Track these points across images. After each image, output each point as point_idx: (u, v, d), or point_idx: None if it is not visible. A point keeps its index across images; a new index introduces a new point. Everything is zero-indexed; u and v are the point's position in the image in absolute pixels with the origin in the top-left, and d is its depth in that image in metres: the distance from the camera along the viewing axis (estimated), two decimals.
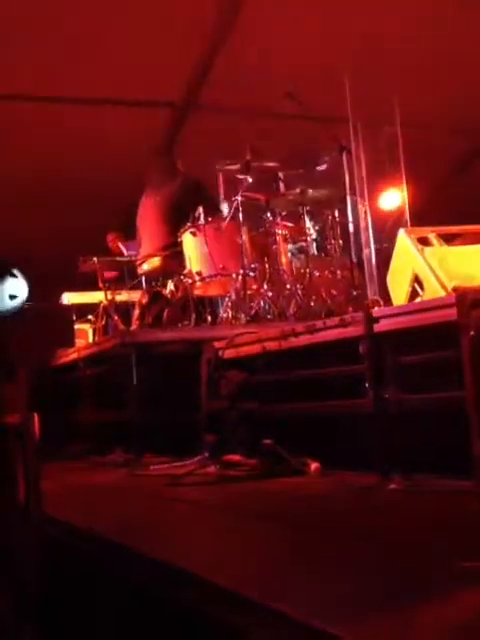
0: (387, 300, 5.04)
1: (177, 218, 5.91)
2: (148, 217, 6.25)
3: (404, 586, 1.52)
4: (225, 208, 5.89)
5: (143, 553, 1.98)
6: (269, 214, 5.80)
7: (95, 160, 7.77)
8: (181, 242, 5.70)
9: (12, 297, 5.29)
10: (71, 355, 5.72)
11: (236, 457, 3.56)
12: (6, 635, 1.86)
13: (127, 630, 1.94)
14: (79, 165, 7.78)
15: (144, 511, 2.81)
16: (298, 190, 5.88)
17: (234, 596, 1.53)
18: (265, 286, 5.48)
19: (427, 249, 4.62)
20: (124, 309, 6.51)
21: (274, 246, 5.69)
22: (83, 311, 7.23)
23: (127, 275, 6.61)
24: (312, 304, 5.44)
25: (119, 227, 6.81)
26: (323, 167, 5.99)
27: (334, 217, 6.02)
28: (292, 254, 5.98)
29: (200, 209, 5.59)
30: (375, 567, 1.69)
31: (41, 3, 6.05)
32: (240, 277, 5.34)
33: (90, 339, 7.11)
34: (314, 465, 3.19)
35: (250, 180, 5.67)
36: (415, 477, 2.73)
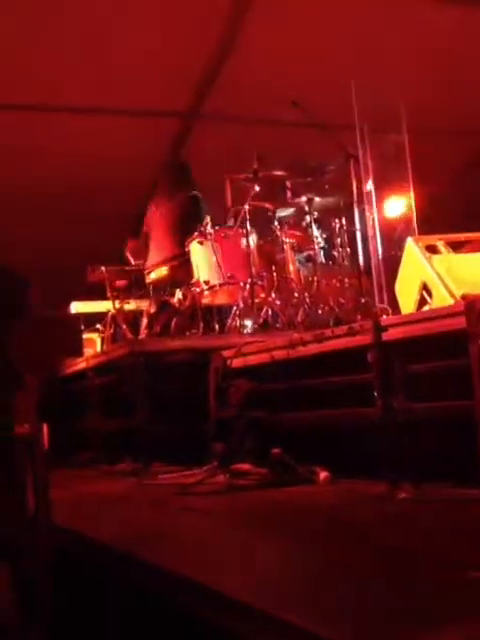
0: (395, 308, 5.03)
1: (185, 227, 5.92)
2: (156, 226, 6.26)
3: (415, 596, 1.51)
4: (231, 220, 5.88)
5: (151, 562, 1.98)
6: (276, 223, 5.81)
7: (103, 169, 7.79)
8: (189, 251, 5.71)
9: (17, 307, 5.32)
10: (80, 364, 5.73)
11: (245, 466, 3.55)
12: None
13: (134, 637, 1.94)
14: (87, 174, 7.80)
15: (153, 520, 2.81)
16: (305, 198, 5.89)
17: (243, 606, 1.53)
18: (273, 295, 5.49)
19: (435, 257, 4.62)
20: (132, 318, 6.52)
21: (281, 255, 5.70)
22: (91, 320, 7.25)
23: (135, 284, 6.62)
24: (320, 312, 5.44)
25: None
26: (329, 171, 5.99)
27: (342, 225, 6.03)
28: (300, 262, 5.99)
29: (208, 218, 5.60)
30: (385, 577, 1.69)
31: (47, 13, 6.08)
32: (248, 286, 5.35)
33: (98, 348, 7.13)
34: (323, 474, 3.18)
35: (257, 189, 5.68)
36: (424, 486, 2.72)
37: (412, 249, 4.78)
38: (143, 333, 6.17)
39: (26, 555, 1.82)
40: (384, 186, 6.87)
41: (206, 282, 5.48)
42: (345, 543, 2.09)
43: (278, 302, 5.46)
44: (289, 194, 6.14)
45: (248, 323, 5.32)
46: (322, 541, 2.16)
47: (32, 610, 1.82)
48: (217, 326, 5.62)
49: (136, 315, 6.54)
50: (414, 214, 6.84)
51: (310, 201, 5.86)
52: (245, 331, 5.25)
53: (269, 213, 5.89)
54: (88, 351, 6.96)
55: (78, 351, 6.84)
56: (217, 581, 1.70)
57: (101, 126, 7.56)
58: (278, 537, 2.29)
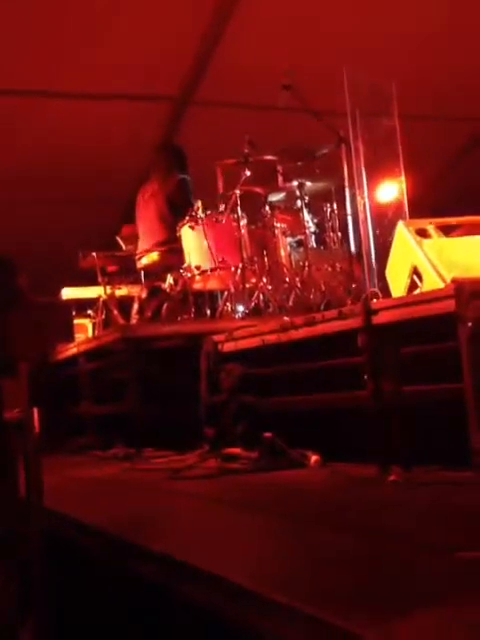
0: (386, 292, 5.04)
1: (176, 212, 5.91)
2: (146, 211, 6.25)
3: (405, 577, 1.52)
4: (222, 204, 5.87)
5: (144, 546, 1.98)
6: (268, 207, 5.80)
7: (94, 155, 7.76)
8: (180, 236, 5.70)
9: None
10: (71, 350, 5.73)
11: (236, 450, 3.56)
12: (11, 628, 1.87)
13: (128, 622, 1.95)
14: (78, 160, 7.77)
15: (145, 505, 2.82)
16: (296, 183, 5.88)
17: (236, 587, 1.54)
18: (264, 279, 5.49)
19: (425, 241, 4.62)
20: (124, 304, 6.52)
21: (273, 239, 5.69)
22: (83, 306, 7.25)
23: (126, 270, 6.62)
24: (311, 297, 5.45)
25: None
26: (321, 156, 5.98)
27: (333, 210, 6.03)
28: (291, 247, 5.99)
29: (199, 203, 5.59)
30: (376, 559, 1.70)
31: (41, 0, 6.05)
32: (239, 271, 5.35)
33: (90, 334, 7.12)
34: (314, 457, 3.19)
35: (248, 173, 5.67)
36: (415, 469, 2.74)
37: (403, 233, 4.78)
38: (134, 318, 6.17)
39: (19, 540, 1.82)
40: (376, 171, 6.86)
41: (197, 267, 5.47)
42: (336, 525, 2.11)
43: (269, 287, 5.47)
44: (280, 179, 6.13)
45: (239, 308, 5.33)
46: (313, 523, 2.17)
47: (27, 595, 1.83)
48: (208, 311, 5.63)
49: (127, 301, 6.54)
50: (405, 199, 6.84)
51: (301, 186, 5.85)
52: (236, 316, 5.26)
53: (260, 198, 5.89)
54: (79, 336, 6.96)
55: (69, 337, 6.86)
56: (209, 563, 1.71)
57: (92, 111, 7.52)
58: (270, 520, 2.31)
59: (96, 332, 6.75)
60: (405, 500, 2.47)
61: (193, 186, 6.17)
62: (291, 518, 2.29)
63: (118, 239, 6.71)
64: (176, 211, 5.92)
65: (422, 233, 4.66)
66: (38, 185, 8.13)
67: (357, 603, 1.39)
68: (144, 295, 6.20)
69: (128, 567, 1.99)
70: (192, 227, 5.55)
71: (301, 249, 5.96)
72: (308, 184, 5.87)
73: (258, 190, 5.89)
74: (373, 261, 5.88)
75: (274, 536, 2.08)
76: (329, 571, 1.63)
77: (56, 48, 6.57)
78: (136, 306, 6.24)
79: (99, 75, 7.02)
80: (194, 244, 5.56)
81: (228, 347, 4.09)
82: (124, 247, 6.67)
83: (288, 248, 5.90)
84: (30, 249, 7.14)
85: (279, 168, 6.11)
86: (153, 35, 6.69)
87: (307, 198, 5.91)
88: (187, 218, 5.60)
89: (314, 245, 5.95)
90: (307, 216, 5.86)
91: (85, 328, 7.34)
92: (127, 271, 6.62)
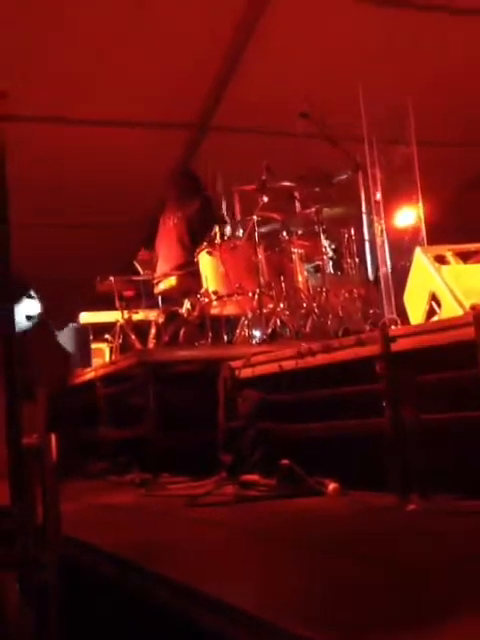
0: (404, 319, 5.03)
1: (194, 237, 5.94)
2: (166, 236, 6.28)
3: (424, 608, 1.50)
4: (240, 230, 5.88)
5: (159, 573, 1.97)
6: (285, 233, 5.81)
7: (112, 180, 7.82)
8: (197, 261, 5.72)
9: (29, 317, 5.33)
10: (88, 374, 5.73)
11: (254, 477, 3.54)
12: None
13: None
14: (97, 185, 7.84)
15: (162, 531, 2.80)
16: (314, 209, 5.89)
17: (251, 617, 1.52)
18: (281, 305, 5.49)
19: (444, 267, 4.62)
20: (141, 328, 6.53)
21: (290, 265, 5.70)
22: (100, 330, 7.27)
23: (144, 294, 6.64)
24: (329, 323, 5.43)
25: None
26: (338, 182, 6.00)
27: (350, 235, 6.03)
28: (308, 273, 5.99)
29: (216, 228, 5.62)
30: (395, 589, 1.68)
31: (59, 26, 6.13)
32: (256, 296, 5.35)
33: (107, 358, 7.14)
34: (332, 485, 3.17)
35: (266, 199, 5.69)
36: (434, 498, 2.71)
37: (421, 259, 4.78)
38: (151, 343, 6.18)
39: (35, 566, 1.81)
40: (393, 197, 6.87)
41: (215, 292, 5.48)
42: (354, 555, 2.08)
43: (287, 312, 5.46)
44: (298, 205, 6.15)
45: (256, 333, 5.32)
46: (331, 552, 2.15)
47: (43, 621, 1.82)
48: (226, 336, 5.62)
49: (145, 325, 6.55)
50: (423, 224, 6.84)
51: (319, 211, 5.86)
52: (253, 341, 5.26)
53: (278, 224, 5.90)
54: (97, 361, 6.98)
55: (86, 361, 6.87)
56: (225, 592, 1.69)
57: (111, 137, 7.60)
58: (287, 548, 2.29)
59: (113, 357, 6.76)
60: (424, 529, 2.44)
61: (213, 211, 6.19)
62: (308, 547, 2.27)
63: (136, 264, 6.74)
64: (195, 236, 5.95)
65: (440, 259, 4.66)
66: (56, 210, 8.20)
67: (375, 633, 1.37)
68: (161, 320, 6.21)
69: (144, 594, 1.98)
70: (210, 252, 5.57)
71: (318, 275, 5.95)
72: (325, 210, 5.87)
73: (275, 216, 5.91)
74: (391, 287, 5.86)
75: (291, 565, 2.06)
76: (346, 601, 1.61)
77: (75, 75, 6.65)
78: (153, 331, 6.25)
79: (118, 102, 7.10)
80: (211, 269, 5.57)
81: (245, 373, 4.08)
82: (142, 272, 6.69)
83: (305, 274, 5.89)
84: (48, 273, 7.17)
85: (296, 194, 6.12)
86: (171, 62, 6.76)
87: (324, 224, 5.91)
88: (205, 244, 5.63)
89: (331, 271, 5.94)
90: (324, 242, 5.86)
91: (102, 352, 7.36)
92: (145, 296, 6.64)
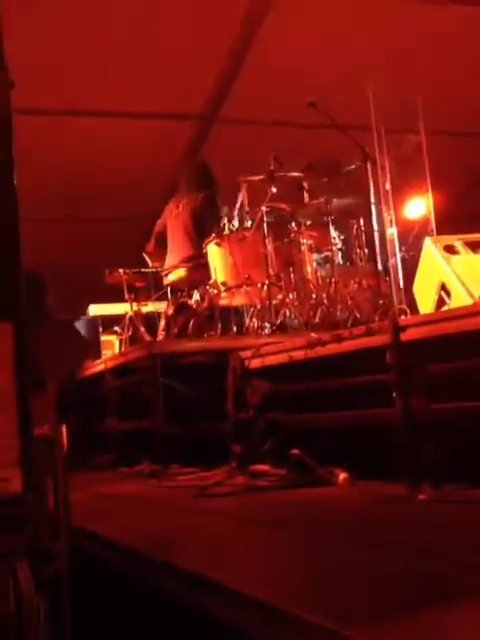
0: (414, 309, 5.02)
1: (203, 229, 5.93)
2: (174, 226, 6.27)
3: (433, 597, 1.50)
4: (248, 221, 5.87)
5: (170, 562, 1.97)
6: (294, 224, 5.80)
7: (121, 172, 7.82)
8: (206, 253, 5.71)
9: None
10: (98, 366, 5.74)
11: (264, 467, 3.54)
12: None
13: (151, 637, 1.94)
14: (105, 177, 7.85)
15: (172, 522, 2.81)
16: (322, 199, 5.87)
17: (262, 604, 1.52)
18: (291, 296, 5.48)
19: (453, 257, 4.61)
20: (150, 320, 6.53)
21: (299, 256, 5.69)
22: (110, 322, 7.28)
23: (153, 286, 6.64)
24: (338, 313, 5.43)
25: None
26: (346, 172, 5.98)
27: (359, 226, 6.01)
28: (317, 263, 5.97)
29: (225, 220, 5.61)
30: (404, 578, 1.68)
31: (70, 21, 6.13)
32: (265, 287, 5.34)
33: (117, 350, 7.15)
34: (342, 475, 3.16)
35: (274, 190, 5.68)
36: (445, 487, 2.70)
37: (430, 249, 4.77)
38: (161, 335, 6.18)
39: (47, 556, 1.82)
40: (402, 187, 6.85)
41: (224, 283, 5.48)
42: (365, 544, 2.08)
43: (296, 303, 5.46)
44: (306, 195, 6.14)
45: (266, 324, 5.31)
46: (341, 541, 2.15)
47: (54, 610, 1.82)
48: (235, 327, 5.62)
49: (154, 317, 6.55)
50: (432, 214, 6.82)
51: (327, 202, 5.84)
52: (263, 332, 5.25)
53: (286, 214, 5.88)
54: (106, 353, 6.99)
55: (96, 353, 6.88)
56: (236, 581, 1.70)
57: (120, 129, 7.60)
58: (297, 537, 2.29)
59: (123, 349, 6.77)
60: (435, 518, 2.43)
61: (222, 201, 6.18)
62: (319, 536, 2.27)
63: (145, 255, 6.74)
64: (203, 227, 5.94)
65: (450, 249, 4.65)
66: (65, 202, 8.21)
67: (386, 621, 1.37)
68: (171, 311, 6.21)
69: (155, 584, 1.98)
70: (218, 243, 5.57)
71: (328, 265, 5.94)
72: (334, 200, 5.85)
73: (284, 206, 5.89)
74: (400, 277, 5.85)
75: (301, 554, 2.06)
76: (358, 589, 1.61)
77: (84, 68, 6.66)
78: (163, 322, 6.25)
79: (126, 94, 7.09)
80: (220, 260, 5.57)
81: (255, 364, 4.08)
82: (151, 263, 6.69)
83: (314, 264, 5.88)
84: (57, 266, 7.19)
85: (305, 184, 6.11)
86: (179, 54, 6.75)
87: (333, 214, 5.89)
88: (213, 235, 5.62)
89: (341, 261, 5.93)
90: (333, 232, 5.84)
91: (112, 345, 7.37)
92: (154, 287, 6.64)
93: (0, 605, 1.57)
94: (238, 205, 5.94)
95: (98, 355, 6.94)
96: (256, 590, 1.61)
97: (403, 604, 1.48)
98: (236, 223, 5.71)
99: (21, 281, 1.65)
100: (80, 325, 7.31)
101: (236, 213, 5.89)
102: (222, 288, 5.49)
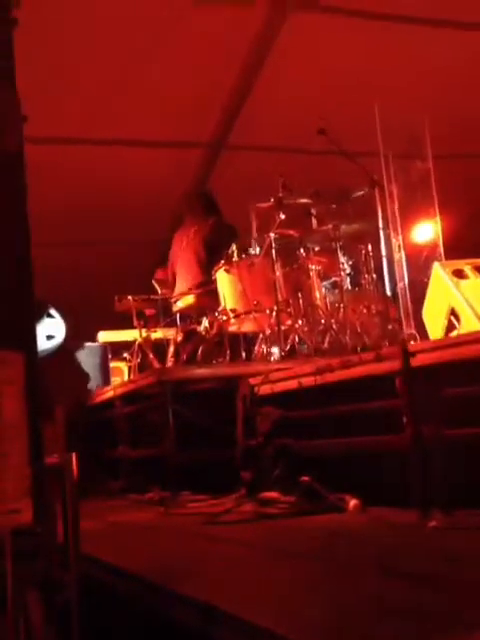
0: (423, 334, 5.01)
1: (211, 256, 5.96)
2: (183, 255, 6.30)
3: (445, 626, 1.49)
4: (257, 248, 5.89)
5: (180, 592, 1.96)
6: (302, 250, 5.81)
7: (130, 199, 7.87)
8: (215, 280, 5.73)
9: (49, 337, 5.35)
10: (107, 393, 5.74)
11: (274, 494, 3.53)
12: None
13: None
14: (114, 204, 7.89)
15: (182, 550, 2.80)
16: (331, 225, 5.90)
17: (274, 636, 1.51)
18: (299, 322, 5.48)
19: (462, 282, 4.61)
20: (159, 347, 6.54)
21: (308, 281, 5.70)
22: (119, 349, 7.29)
23: (162, 313, 6.66)
24: (347, 339, 5.42)
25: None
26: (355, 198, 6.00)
27: (368, 251, 6.02)
28: (326, 289, 5.98)
29: (234, 246, 5.63)
30: (416, 606, 1.66)
31: (77, 48, 6.20)
32: (274, 313, 5.35)
33: (126, 377, 7.15)
34: (353, 502, 3.15)
35: (283, 216, 5.70)
36: (456, 514, 2.68)
37: (439, 274, 4.77)
38: (170, 361, 6.18)
39: (57, 586, 1.81)
40: (410, 212, 6.86)
41: (233, 310, 5.49)
42: (375, 572, 2.07)
43: (305, 329, 5.46)
44: (314, 221, 6.16)
45: (275, 350, 5.31)
46: (352, 569, 2.14)
47: (65, 639, 1.82)
48: (244, 354, 5.62)
49: (163, 344, 6.56)
50: (441, 239, 6.82)
51: (336, 228, 5.86)
52: (272, 358, 5.25)
53: (295, 240, 5.90)
54: (115, 380, 6.99)
55: (105, 380, 6.89)
56: (245, 610, 1.69)
57: (128, 157, 7.66)
58: (308, 566, 2.27)
59: (132, 375, 6.77)
60: (445, 546, 2.42)
61: (229, 231, 6.21)
62: (329, 564, 2.26)
63: (154, 282, 6.77)
64: (212, 254, 5.96)
65: (459, 274, 4.65)
66: (74, 229, 8.26)
67: None
68: (180, 338, 6.22)
69: (165, 612, 1.97)
70: (227, 270, 5.58)
71: (336, 291, 5.95)
72: (343, 226, 5.87)
73: (292, 233, 5.91)
74: (409, 302, 5.85)
75: (312, 582, 2.05)
76: (370, 617, 1.60)
77: (93, 97, 6.72)
78: (172, 349, 6.26)
79: (136, 123, 7.15)
80: (229, 287, 5.58)
81: (264, 390, 4.08)
82: (160, 290, 6.71)
83: (323, 290, 5.89)
84: (66, 292, 7.22)
85: (313, 211, 6.13)
86: (187, 82, 6.81)
87: (342, 240, 5.91)
88: (222, 262, 5.64)
89: (349, 287, 5.94)
90: (342, 258, 5.86)
91: (121, 371, 7.37)
92: (163, 314, 6.65)
93: (11, 636, 1.56)
94: (254, 231, 5.97)
95: (107, 382, 6.95)
96: (265, 619, 1.60)
97: (417, 633, 1.47)
98: (254, 250, 5.73)
99: (33, 311, 1.66)
100: (92, 351, 7.32)
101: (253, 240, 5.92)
102: (231, 314, 5.50)
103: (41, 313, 5.17)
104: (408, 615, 1.59)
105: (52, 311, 4.73)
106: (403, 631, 1.48)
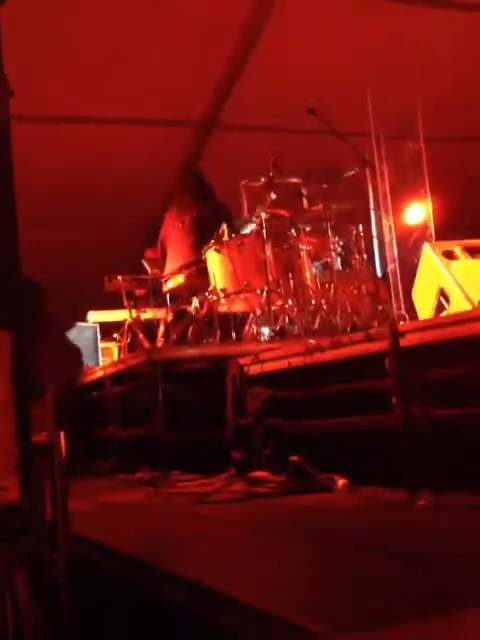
0: (413, 315, 5.02)
1: (202, 235, 5.94)
2: (177, 237, 6.27)
3: (433, 602, 1.50)
4: (248, 228, 5.87)
5: (171, 571, 1.97)
6: (293, 230, 5.80)
7: (120, 178, 7.83)
8: (205, 259, 5.71)
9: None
10: (97, 373, 5.74)
11: (263, 474, 3.54)
12: None
13: None
14: (104, 184, 7.85)
15: (172, 529, 2.80)
16: (322, 205, 5.88)
17: (263, 614, 1.52)
18: (290, 302, 5.47)
19: (452, 263, 4.61)
20: (149, 327, 6.53)
21: (298, 262, 5.69)
22: (109, 329, 7.28)
23: (152, 293, 6.64)
24: (337, 319, 5.42)
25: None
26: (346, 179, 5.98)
27: (358, 232, 6.01)
28: (317, 269, 5.97)
29: (224, 226, 5.61)
30: (405, 584, 1.67)
31: (66, 26, 6.14)
32: (265, 293, 5.34)
33: (116, 357, 7.14)
34: (342, 481, 3.16)
35: (274, 196, 5.68)
36: (445, 493, 2.70)
37: (429, 255, 4.78)
38: (160, 341, 6.18)
39: (46, 565, 1.81)
40: (402, 193, 6.85)
41: (223, 290, 5.48)
42: (365, 550, 2.08)
43: (295, 309, 5.45)
44: (305, 201, 6.14)
45: (265, 330, 5.31)
46: (341, 547, 2.14)
47: (54, 619, 1.82)
48: (234, 334, 5.62)
49: (153, 324, 6.55)
50: (431, 220, 6.82)
51: (327, 208, 5.85)
52: (262, 338, 5.25)
53: (286, 220, 5.88)
54: (105, 360, 6.99)
55: (95, 360, 6.88)
56: (234, 588, 1.69)
57: (118, 136, 7.60)
58: (297, 544, 2.28)
59: (122, 355, 6.76)
60: (435, 524, 2.43)
61: (223, 209, 6.19)
62: (318, 542, 2.26)
63: (144, 262, 6.75)
64: (203, 234, 5.94)
65: (449, 255, 4.65)
66: (64, 209, 8.21)
67: (388, 627, 1.36)
68: (170, 318, 6.21)
69: (154, 592, 1.98)
70: (218, 250, 5.57)
71: (327, 271, 5.94)
72: (333, 206, 5.86)
73: (283, 213, 5.89)
74: (399, 283, 5.85)
75: (301, 561, 2.05)
76: (359, 595, 1.61)
77: (82, 74, 6.66)
78: (162, 329, 6.26)
79: (125, 101, 7.10)
80: (219, 267, 5.57)
81: (254, 370, 4.08)
82: (150, 270, 6.69)
83: (313, 270, 5.88)
84: (56, 272, 7.19)
85: (304, 191, 6.11)
86: (178, 61, 6.76)
87: (332, 220, 5.89)
88: (212, 241, 5.62)
89: (340, 267, 5.93)
90: (333, 238, 5.84)
91: (111, 351, 7.37)
92: (153, 294, 6.64)
93: None
94: (245, 211, 5.95)
95: (97, 362, 6.94)
96: (255, 598, 1.61)
97: (402, 611, 1.47)
98: (249, 228, 5.71)
99: (20, 290, 1.65)
100: (83, 331, 7.30)
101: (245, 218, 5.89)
102: (221, 294, 5.49)
103: (31, 292, 5.15)
104: (400, 592, 1.60)
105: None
106: (395, 608, 1.49)
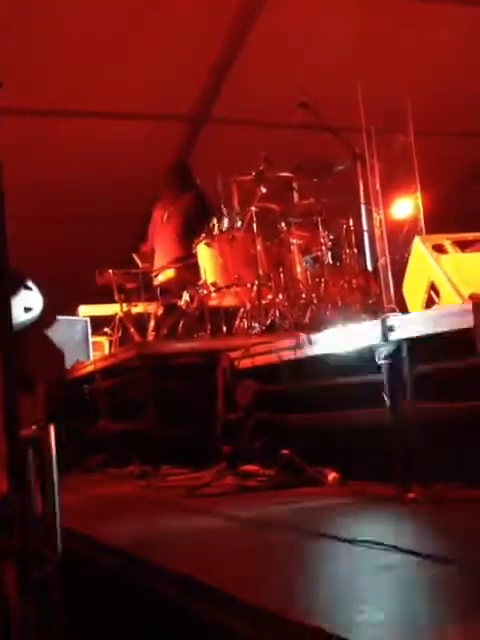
0: (403, 308, 5.01)
1: (192, 230, 5.93)
2: (163, 229, 6.27)
3: (425, 597, 1.50)
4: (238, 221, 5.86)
5: (162, 565, 1.97)
6: (284, 224, 5.80)
7: (111, 173, 7.80)
8: (196, 253, 5.71)
9: (27, 310, 5.31)
10: (88, 367, 5.73)
11: (254, 467, 3.54)
12: None
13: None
14: (95, 178, 7.82)
15: (162, 523, 2.81)
16: (312, 199, 5.88)
17: (253, 608, 1.52)
18: (280, 296, 5.48)
19: (443, 257, 4.61)
20: (140, 321, 6.52)
21: (289, 256, 5.69)
22: (100, 323, 7.27)
23: (143, 287, 6.63)
24: (327, 313, 5.43)
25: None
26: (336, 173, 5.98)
27: (349, 226, 6.01)
28: (307, 263, 5.98)
29: (214, 220, 5.60)
30: (395, 578, 1.68)
31: (58, 20, 6.11)
32: (255, 287, 5.34)
33: (106, 351, 7.13)
34: (332, 475, 3.17)
35: (264, 190, 5.68)
36: (435, 487, 2.71)
37: (419, 249, 4.77)
38: (151, 335, 6.17)
39: (35, 558, 1.81)
40: (392, 187, 6.84)
41: (213, 284, 5.47)
42: (354, 543, 2.08)
43: (285, 303, 5.46)
44: (296, 195, 6.14)
45: (255, 324, 5.31)
46: (330, 542, 2.15)
47: (43, 613, 1.82)
48: (225, 328, 5.62)
49: (144, 318, 6.54)
50: (421, 214, 6.82)
51: (317, 202, 5.85)
52: (252, 332, 5.25)
53: (276, 214, 5.88)
54: (96, 354, 6.97)
55: (85, 354, 6.87)
56: (224, 582, 1.69)
57: (109, 130, 7.58)
58: (286, 538, 2.29)
59: (113, 349, 6.76)
60: (425, 518, 2.44)
61: (208, 203, 6.18)
62: (308, 536, 2.27)
63: (135, 257, 6.73)
64: (192, 228, 5.93)
65: (439, 249, 4.65)
66: (55, 203, 8.18)
67: (377, 623, 1.37)
68: (160, 312, 6.21)
69: (145, 586, 1.98)
70: (208, 244, 5.56)
71: (317, 265, 5.94)
72: (324, 200, 5.86)
73: (274, 207, 5.89)
74: (389, 277, 5.85)
75: (291, 554, 2.06)
76: (347, 589, 1.61)
77: (72, 68, 6.64)
78: (152, 323, 6.25)
79: (115, 94, 7.08)
80: (210, 261, 5.56)
81: (244, 364, 4.08)
82: (140, 265, 6.68)
83: (304, 264, 5.88)
84: (47, 266, 7.17)
85: (295, 185, 6.11)
86: (169, 55, 6.74)
87: (323, 214, 5.90)
88: (203, 235, 5.62)
89: (330, 261, 5.94)
90: (323, 232, 5.85)
91: (102, 346, 7.35)
92: (144, 288, 6.63)
93: None
94: (236, 205, 5.94)
95: (88, 356, 6.93)
96: (244, 592, 1.61)
97: (391, 604, 1.48)
98: (226, 222, 5.71)
99: (7, 284, 1.65)
100: (73, 326, 7.28)
101: (227, 212, 5.88)
102: (212, 288, 5.49)
103: (17, 285, 5.13)
104: (390, 582, 1.61)
105: (29, 283, 4.68)
106: (376, 599, 1.49)
